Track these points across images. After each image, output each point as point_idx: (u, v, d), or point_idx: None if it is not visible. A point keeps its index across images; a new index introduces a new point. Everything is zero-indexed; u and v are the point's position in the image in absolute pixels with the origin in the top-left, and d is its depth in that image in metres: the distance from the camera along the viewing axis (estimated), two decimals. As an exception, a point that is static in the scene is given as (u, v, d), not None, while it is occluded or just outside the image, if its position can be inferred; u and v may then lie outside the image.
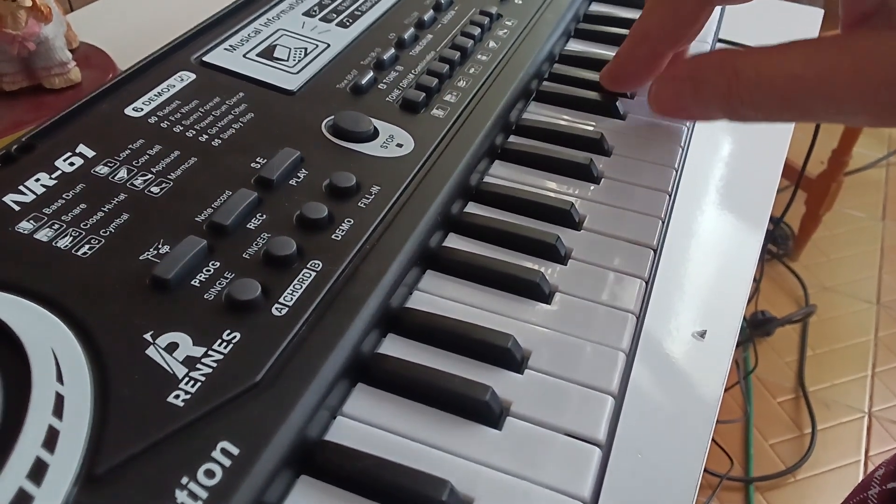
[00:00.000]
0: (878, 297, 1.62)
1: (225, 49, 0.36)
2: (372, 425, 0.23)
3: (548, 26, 0.41)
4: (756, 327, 1.50)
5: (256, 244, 0.26)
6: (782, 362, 1.47)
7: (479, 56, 0.38)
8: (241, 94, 0.33)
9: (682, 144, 0.37)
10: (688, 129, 0.38)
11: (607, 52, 0.42)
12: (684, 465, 0.33)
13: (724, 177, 0.52)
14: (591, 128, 0.37)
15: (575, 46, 0.44)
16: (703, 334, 0.41)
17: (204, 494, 0.19)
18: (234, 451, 0.20)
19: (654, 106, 0.35)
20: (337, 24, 0.39)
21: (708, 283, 0.44)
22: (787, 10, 0.53)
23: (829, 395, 1.42)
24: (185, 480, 0.19)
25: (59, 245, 0.25)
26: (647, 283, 0.29)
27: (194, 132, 0.30)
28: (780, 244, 1.68)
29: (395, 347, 0.26)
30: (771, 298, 1.57)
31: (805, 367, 1.46)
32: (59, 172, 0.27)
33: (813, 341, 1.51)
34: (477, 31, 0.39)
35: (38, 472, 0.19)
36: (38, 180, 0.27)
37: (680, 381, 0.38)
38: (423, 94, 0.34)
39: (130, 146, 0.29)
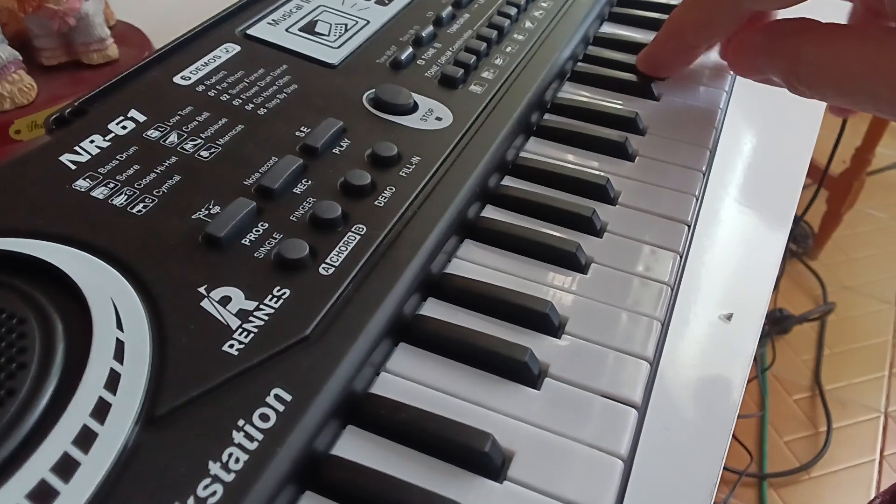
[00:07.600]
0: (897, 298, 1.60)
1: (268, 23, 0.36)
2: (415, 381, 0.24)
3: (582, 9, 0.42)
4: (774, 324, 1.49)
5: (303, 207, 0.27)
6: (799, 360, 1.47)
7: (515, 35, 0.38)
8: (285, 66, 0.34)
9: (716, 125, 0.37)
10: (721, 112, 0.38)
11: (640, 36, 0.42)
12: (710, 438, 0.33)
13: (753, 165, 0.53)
14: (625, 107, 0.37)
15: (609, 29, 0.45)
16: (729, 317, 0.42)
17: (259, 436, 0.20)
18: (287, 397, 0.20)
19: (729, 60, 0.36)
20: (376, 2, 0.39)
21: (735, 267, 0.44)
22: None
23: (845, 394, 1.41)
24: (241, 423, 0.20)
25: (114, 203, 0.25)
26: (681, 256, 0.30)
27: (240, 101, 0.31)
28: (799, 242, 1.67)
29: (435, 310, 0.26)
30: (789, 296, 1.57)
31: (822, 365, 1.45)
32: (112, 135, 0.28)
33: (830, 340, 1.50)
34: (513, 10, 0.40)
35: (101, 411, 0.19)
36: (92, 142, 0.28)
37: (706, 361, 0.38)
38: (462, 70, 0.35)
39: (180, 112, 0.30)
